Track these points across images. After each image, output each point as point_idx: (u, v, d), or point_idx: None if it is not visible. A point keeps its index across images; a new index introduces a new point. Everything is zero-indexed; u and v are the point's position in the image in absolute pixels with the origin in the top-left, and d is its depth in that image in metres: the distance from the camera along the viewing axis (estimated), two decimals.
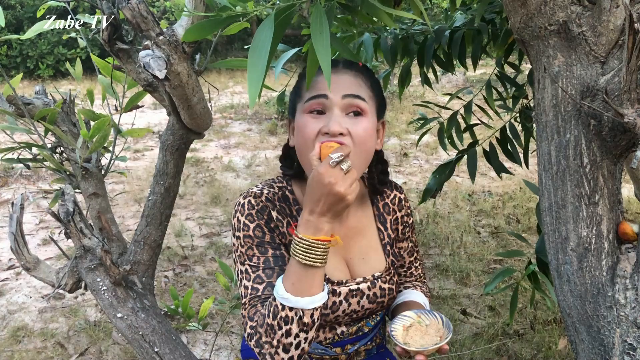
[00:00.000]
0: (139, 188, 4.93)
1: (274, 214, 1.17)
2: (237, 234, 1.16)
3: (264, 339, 1.05)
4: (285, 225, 1.19)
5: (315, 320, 1.06)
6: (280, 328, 1.03)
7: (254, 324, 1.08)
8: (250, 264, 1.14)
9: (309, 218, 1.03)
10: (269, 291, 1.10)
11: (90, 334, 2.74)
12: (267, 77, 1.08)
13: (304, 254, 1.02)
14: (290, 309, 1.02)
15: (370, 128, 1.13)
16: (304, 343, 1.05)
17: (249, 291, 1.11)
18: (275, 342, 1.04)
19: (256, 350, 1.07)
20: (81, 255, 1.50)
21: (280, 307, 1.03)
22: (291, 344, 1.04)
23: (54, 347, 2.67)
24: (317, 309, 1.05)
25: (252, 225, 1.15)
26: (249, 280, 1.12)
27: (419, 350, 1.11)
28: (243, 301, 1.12)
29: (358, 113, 1.12)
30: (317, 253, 1.02)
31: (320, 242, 1.02)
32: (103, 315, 2.91)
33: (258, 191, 1.19)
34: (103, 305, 1.51)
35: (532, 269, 1.63)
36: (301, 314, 1.03)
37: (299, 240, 1.03)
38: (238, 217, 1.16)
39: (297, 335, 1.04)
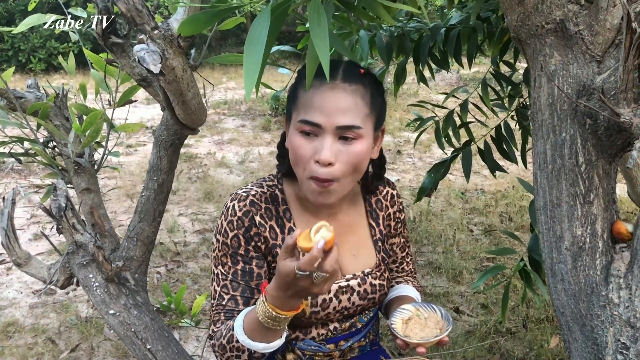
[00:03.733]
0: (132, 183, 4.91)
1: (257, 218, 1.19)
2: (217, 236, 1.20)
3: (216, 349, 1.15)
4: (267, 229, 1.20)
5: (267, 354, 1.13)
6: (231, 351, 1.12)
7: (216, 330, 1.17)
8: (222, 270, 1.19)
9: (278, 294, 1.02)
10: (232, 305, 1.18)
11: (82, 330, 2.72)
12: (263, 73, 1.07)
13: (267, 319, 1.04)
14: (244, 345, 1.09)
15: (364, 151, 1.11)
16: None
17: (217, 295, 1.19)
18: (225, 357, 1.14)
19: (212, 348, 1.18)
20: (73, 251, 1.49)
21: (235, 339, 1.10)
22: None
23: (45, 343, 2.65)
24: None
25: (230, 234, 1.18)
26: (218, 285, 1.20)
27: (420, 342, 1.12)
28: (212, 302, 1.21)
29: (352, 137, 1.09)
30: (280, 321, 1.05)
31: (284, 315, 1.04)
32: (94, 311, 2.89)
33: (244, 193, 1.20)
34: (95, 301, 1.50)
35: (521, 265, 1.64)
36: (253, 351, 1.10)
37: (264, 307, 1.04)
38: (222, 220, 1.19)
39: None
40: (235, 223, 1.17)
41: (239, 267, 1.18)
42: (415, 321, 1.20)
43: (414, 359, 1.19)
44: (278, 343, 1.10)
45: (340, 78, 1.09)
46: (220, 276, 1.19)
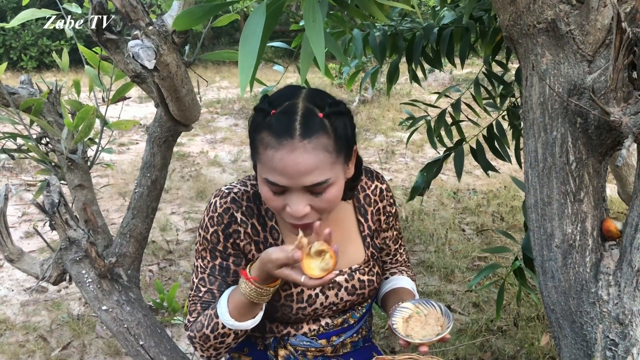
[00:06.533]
0: (124, 181, 4.89)
1: (237, 215, 1.19)
2: (200, 230, 1.22)
3: (197, 340, 1.18)
4: (249, 226, 1.20)
5: (248, 330, 1.18)
6: (216, 339, 1.16)
7: (192, 320, 1.20)
8: (202, 263, 1.22)
9: (268, 276, 1.08)
10: (208, 297, 1.21)
11: (74, 327, 2.71)
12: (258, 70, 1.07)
13: (258, 296, 1.11)
14: (230, 328, 1.14)
15: (337, 192, 1.08)
16: (233, 345, 1.20)
17: (194, 287, 1.23)
18: (207, 345, 1.18)
19: (189, 340, 1.22)
20: (66, 247, 1.48)
21: (221, 325, 1.14)
22: (222, 347, 1.19)
23: (36, 340, 2.64)
24: None
25: (211, 230, 1.19)
26: (196, 277, 1.23)
27: (422, 342, 1.11)
28: (190, 292, 1.24)
29: (322, 190, 1.05)
30: (270, 293, 1.13)
31: (273, 287, 1.12)
32: (86, 309, 2.88)
33: (227, 190, 1.21)
34: (88, 297, 1.50)
35: (517, 264, 1.65)
36: (239, 331, 1.16)
37: (256, 287, 1.10)
38: (205, 215, 1.21)
39: (229, 344, 1.18)
40: (215, 219, 1.18)
41: (217, 263, 1.21)
42: (416, 319, 1.18)
43: (405, 356, 1.19)
44: (260, 315, 1.17)
45: (298, 135, 1.00)
46: (199, 269, 1.22)
